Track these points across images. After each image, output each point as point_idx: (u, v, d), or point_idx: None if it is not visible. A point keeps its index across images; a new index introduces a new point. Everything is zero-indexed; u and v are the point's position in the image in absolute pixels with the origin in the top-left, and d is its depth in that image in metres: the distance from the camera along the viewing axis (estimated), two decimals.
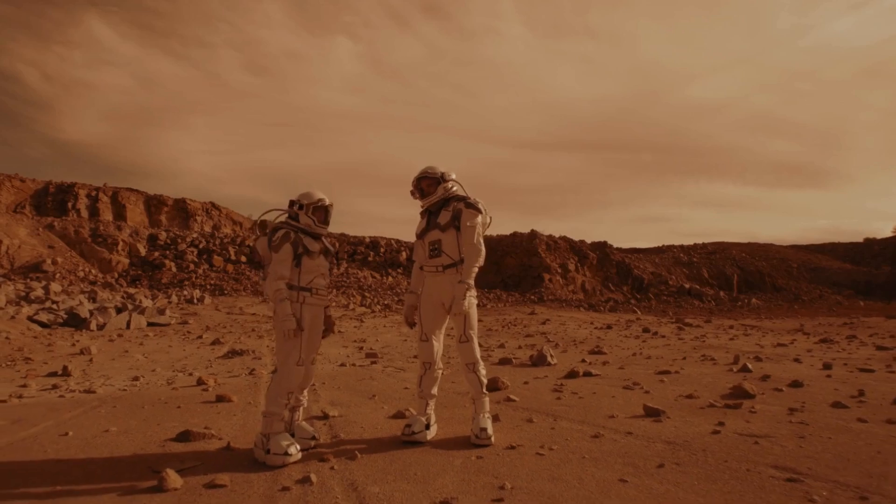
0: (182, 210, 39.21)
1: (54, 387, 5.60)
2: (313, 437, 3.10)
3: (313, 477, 2.52)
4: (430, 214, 3.26)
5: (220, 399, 4.39)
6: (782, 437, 3.23)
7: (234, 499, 2.32)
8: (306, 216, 3.06)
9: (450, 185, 3.24)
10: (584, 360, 6.78)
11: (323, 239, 3.18)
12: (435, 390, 3.26)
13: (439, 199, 3.22)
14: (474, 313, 3.16)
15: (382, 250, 35.08)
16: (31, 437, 3.31)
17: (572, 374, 5.52)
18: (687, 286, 34.02)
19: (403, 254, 35.19)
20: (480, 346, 9.29)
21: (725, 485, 2.47)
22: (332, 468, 2.70)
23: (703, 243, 38.28)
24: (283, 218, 3.14)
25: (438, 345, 3.25)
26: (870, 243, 37.50)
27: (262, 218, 3.17)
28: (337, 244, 34.67)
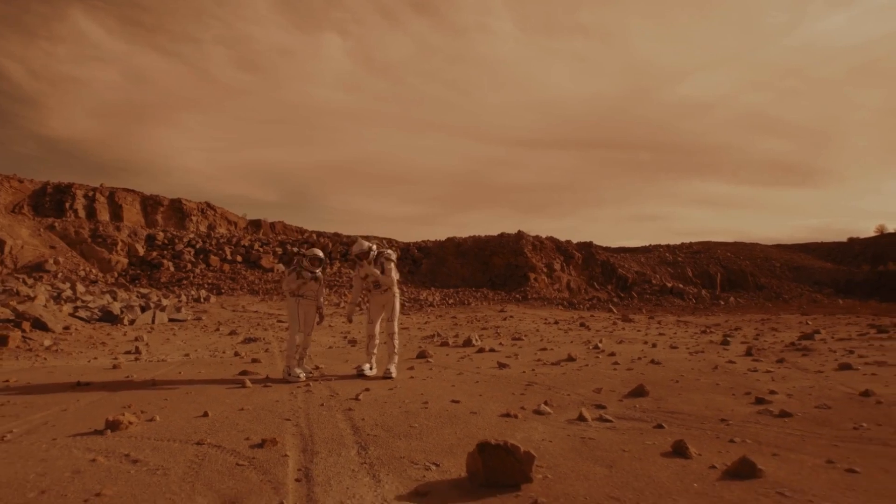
0: (178, 210, 42.53)
1: (136, 359, 8.98)
2: (310, 373, 6.50)
3: (312, 385, 5.92)
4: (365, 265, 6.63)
5: (254, 361, 7.80)
6: (555, 374, 6.60)
7: (277, 389, 5.70)
8: (306, 261, 6.46)
9: (372, 252, 6.59)
10: (501, 343, 10.17)
11: (317, 272, 6.55)
12: (375, 350, 6.65)
13: (371, 259, 6.58)
14: (398, 308, 6.55)
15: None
16: (162, 374, 6.71)
17: (480, 350, 8.90)
18: (669, 285, 37.31)
19: (395, 254, 38.52)
20: (440, 335, 12.63)
21: (498, 387, 5.85)
22: (319, 382, 6.10)
23: (689, 243, 41.66)
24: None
25: (377, 326, 6.65)
26: (852, 243, 40.91)
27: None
28: (330, 244, 38.03)
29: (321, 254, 6.55)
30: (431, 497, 2.84)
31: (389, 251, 6.74)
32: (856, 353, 7.97)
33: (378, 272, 6.52)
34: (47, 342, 9.84)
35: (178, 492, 2.80)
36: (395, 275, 6.59)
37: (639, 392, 5.51)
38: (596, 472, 3.18)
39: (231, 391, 5.55)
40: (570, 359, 7.77)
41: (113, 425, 3.85)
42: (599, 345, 9.19)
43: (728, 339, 9.89)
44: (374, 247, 6.67)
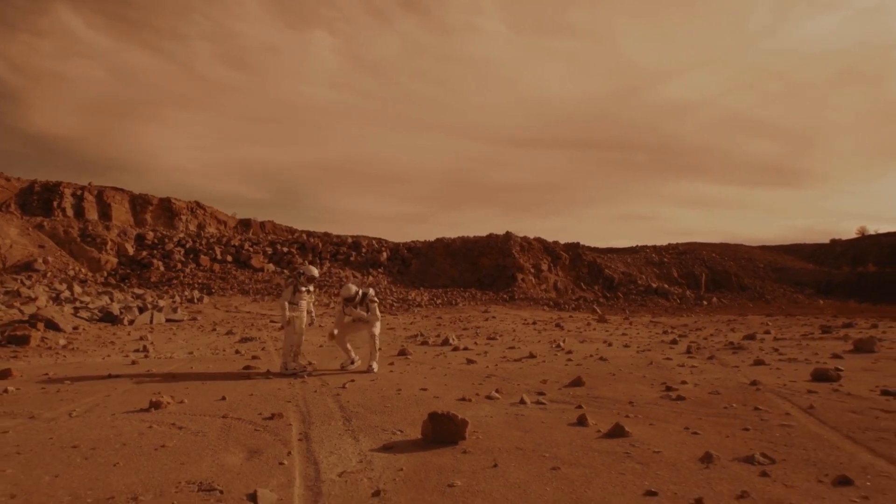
0: (167, 209, 43.52)
1: (146, 356, 10.24)
2: (304, 368, 7.83)
3: (305, 377, 7.25)
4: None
5: (254, 358, 9.10)
6: (513, 369, 7.95)
7: (277, 380, 7.01)
8: (303, 278, 7.78)
9: (359, 295, 7.91)
10: (476, 342, 11.53)
11: (310, 286, 7.87)
12: (351, 349, 8.00)
13: (357, 301, 7.93)
14: (379, 325, 7.89)
15: (364, 250, 39.68)
16: (176, 369, 8.00)
17: (455, 349, 10.25)
18: (655, 286, 38.87)
19: (384, 253, 39.77)
20: (422, 335, 13.94)
21: (462, 379, 7.19)
22: (312, 375, 7.42)
23: (675, 244, 43.30)
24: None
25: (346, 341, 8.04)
26: (834, 244, 42.77)
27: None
28: (320, 244, 39.27)
29: (316, 273, 7.93)
30: (395, 450, 4.17)
31: (371, 291, 8.15)
32: (779, 351, 9.39)
33: (365, 313, 7.88)
34: (62, 341, 11.07)
35: (216, 445, 4.12)
36: (378, 313, 7.96)
37: (577, 383, 6.87)
38: (514, 434, 4.53)
39: (240, 382, 6.86)
40: (531, 356, 9.13)
41: (156, 405, 5.15)
42: (562, 344, 10.57)
43: (679, 338, 11.30)
44: (360, 291, 7.98)
